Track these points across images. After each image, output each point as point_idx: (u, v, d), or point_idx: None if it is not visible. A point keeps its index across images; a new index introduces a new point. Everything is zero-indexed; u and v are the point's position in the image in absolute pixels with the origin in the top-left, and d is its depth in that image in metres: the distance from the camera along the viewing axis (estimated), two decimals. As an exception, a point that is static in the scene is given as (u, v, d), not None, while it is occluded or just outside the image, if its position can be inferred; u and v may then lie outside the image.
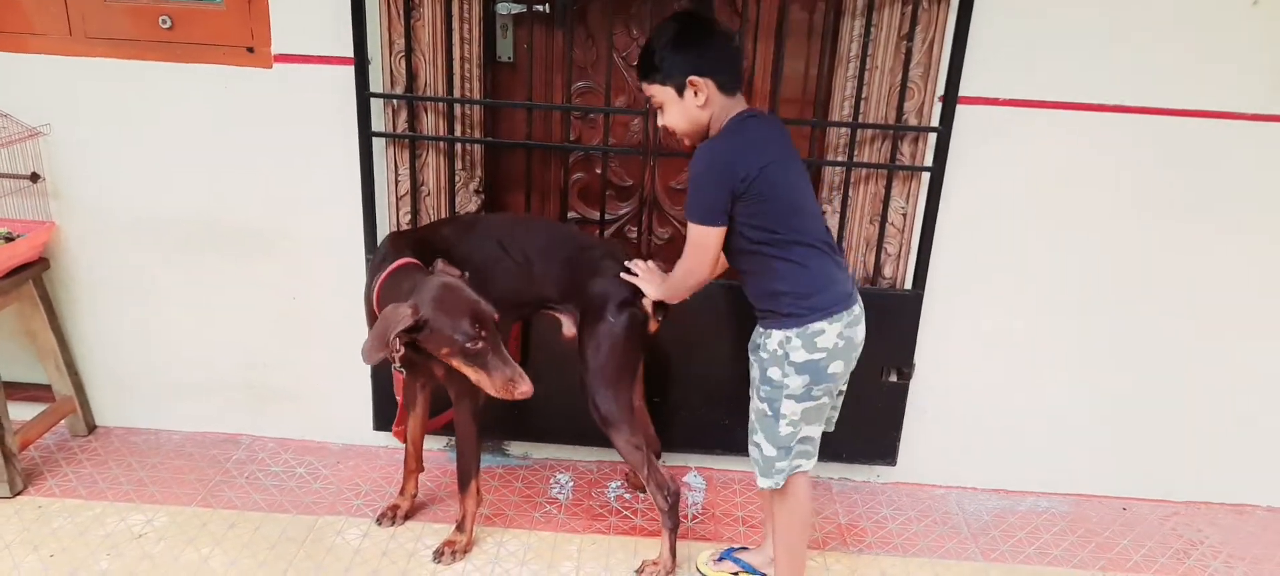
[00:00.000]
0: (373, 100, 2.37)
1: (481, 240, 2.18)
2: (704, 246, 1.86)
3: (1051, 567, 2.43)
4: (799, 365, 1.86)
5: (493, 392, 1.90)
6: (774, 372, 1.90)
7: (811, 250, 1.84)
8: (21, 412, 2.71)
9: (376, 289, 1.99)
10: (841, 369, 1.90)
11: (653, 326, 2.17)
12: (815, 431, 1.97)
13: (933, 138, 2.35)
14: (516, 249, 2.18)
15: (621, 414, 2.15)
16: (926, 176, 2.38)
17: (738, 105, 1.86)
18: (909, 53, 2.25)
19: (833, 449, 2.60)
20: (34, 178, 2.50)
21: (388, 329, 1.83)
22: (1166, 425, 2.68)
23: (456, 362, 1.90)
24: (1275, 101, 2.33)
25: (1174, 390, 2.64)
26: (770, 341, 1.89)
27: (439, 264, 1.99)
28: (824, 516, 2.60)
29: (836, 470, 2.78)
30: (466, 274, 1.98)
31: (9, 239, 2.45)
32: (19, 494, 2.48)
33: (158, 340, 2.72)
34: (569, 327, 2.27)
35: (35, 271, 2.55)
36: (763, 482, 2.01)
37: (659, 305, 2.13)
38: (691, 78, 1.81)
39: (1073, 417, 2.68)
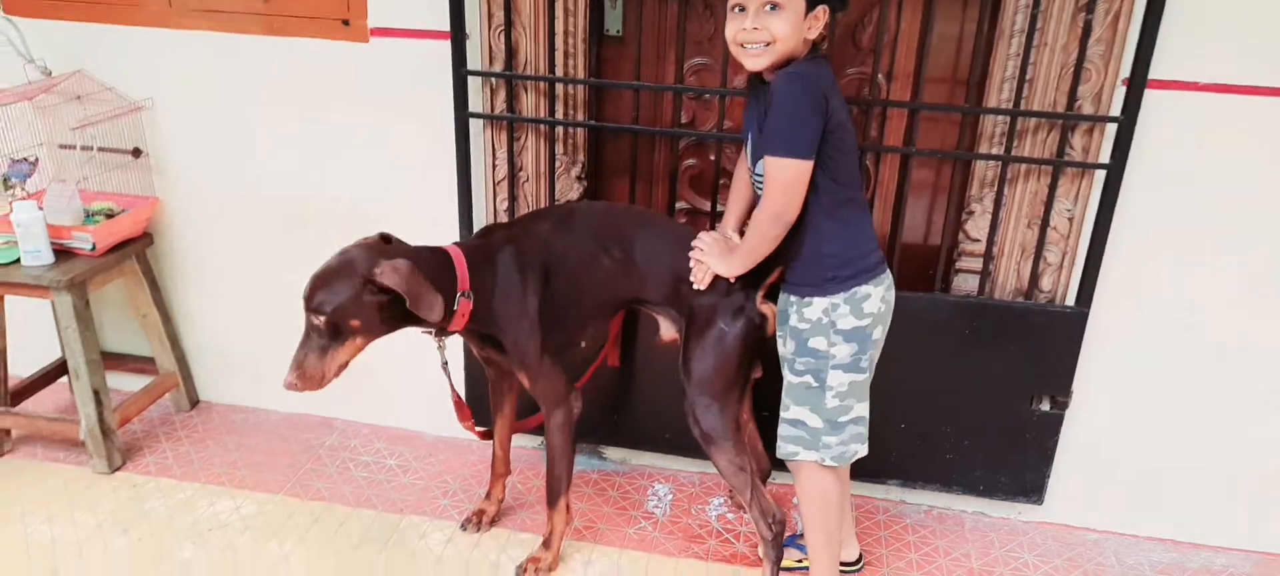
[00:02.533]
0: (470, 78, 2.20)
1: (579, 236, 1.96)
2: (794, 184, 1.64)
3: (1233, 645, 2.05)
4: (846, 333, 1.74)
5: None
6: (818, 343, 1.76)
7: (860, 209, 1.75)
8: (128, 383, 2.73)
9: None
10: (881, 335, 1.80)
11: (771, 327, 1.92)
12: (865, 409, 1.83)
13: (1112, 128, 1.97)
14: (617, 245, 1.96)
15: (726, 431, 1.92)
16: (1101, 174, 2.01)
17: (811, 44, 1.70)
18: (1088, 26, 1.88)
19: (970, 480, 2.31)
20: (136, 153, 2.47)
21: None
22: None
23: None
24: None
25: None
26: (811, 309, 1.75)
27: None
28: (953, 558, 2.28)
29: (972, 503, 2.45)
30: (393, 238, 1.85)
31: (112, 214, 2.43)
32: (118, 470, 2.47)
33: (259, 317, 2.67)
34: (668, 331, 2.04)
35: (139, 246, 2.52)
36: (806, 456, 1.83)
37: (769, 297, 1.90)
38: (822, 6, 1.65)
39: (1260, 460, 2.25)
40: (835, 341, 1.74)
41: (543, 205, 2.31)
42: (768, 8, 1.62)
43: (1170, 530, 2.38)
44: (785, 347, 1.84)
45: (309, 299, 1.76)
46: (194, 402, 2.82)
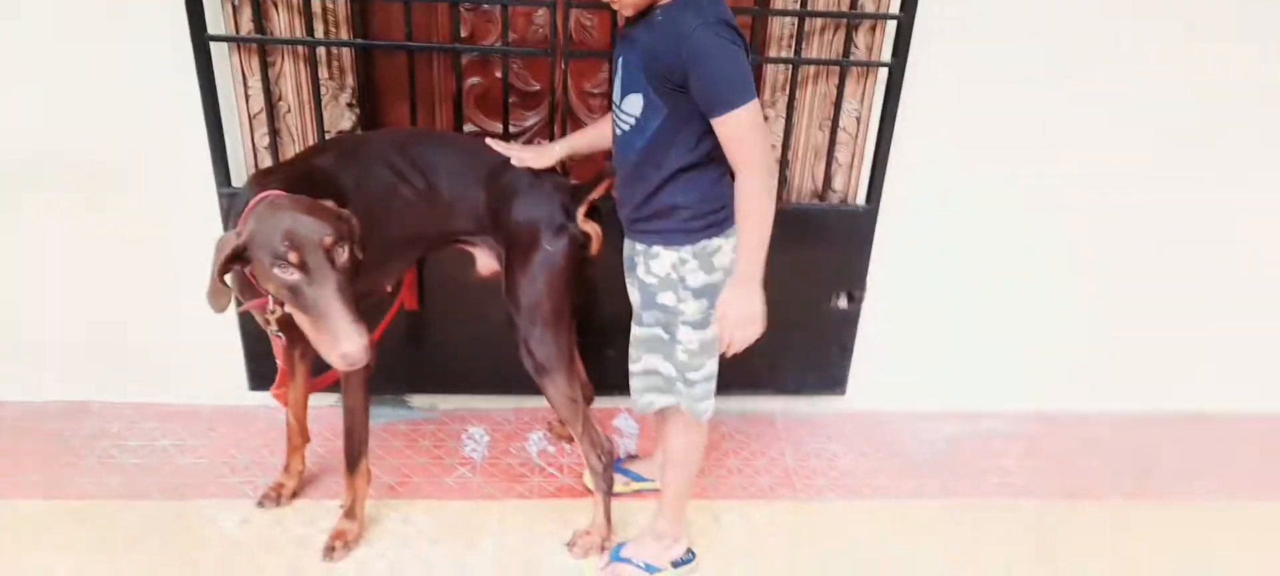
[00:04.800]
0: (205, -5, 1.88)
1: (371, 166, 1.75)
2: (759, 126, 1.48)
3: (1016, 500, 2.25)
4: (696, 289, 1.64)
5: (319, 350, 1.49)
6: (666, 298, 1.67)
7: (718, 163, 1.57)
8: None
9: None
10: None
11: (595, 247, 1.83)
12: (715, 366, 1.74)
13: (892, 26, 1.99)
14: (417, 173, 1.77)
15: (561, 360, 1.83)
16: (884, 73, 2.04)
17: None
18: (865, -77, 1.87)
19: (777, 380, 2.36)
20: None
21: (213, 261, 1.46)
22: (1122, 337, 2.51)
23: (288, 304, 1.49)
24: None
25: (1132, 299, 2.45)
26: (659, 263, 1.65)
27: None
28: (769, 457, 2.35)
29: (780, 403, 2.53)
30: (335, 205, 1.54)
31: None
32: None
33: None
34: (486, 263, 1.90)
35: None
36: (661, 401, 1.76)
37: (592, 216, 1.80)
38: None
39: (1030, 334, 2.48)
40: (684, 297, 1.65)
41: (310, 138, 2.06)
42: None
43: (958, 404, 2.57)
44: (633, 297, 1.75)
45: (319, 215, 1.45)
46: (-98, 405, 2.36)
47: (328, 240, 1.43)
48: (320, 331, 1.44)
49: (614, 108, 1.65)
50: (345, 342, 1.42)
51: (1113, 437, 2.52)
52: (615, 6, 1.52)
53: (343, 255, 1.46)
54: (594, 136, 1.85)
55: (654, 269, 1.66)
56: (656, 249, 1.65)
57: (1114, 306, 2.45)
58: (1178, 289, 2.45)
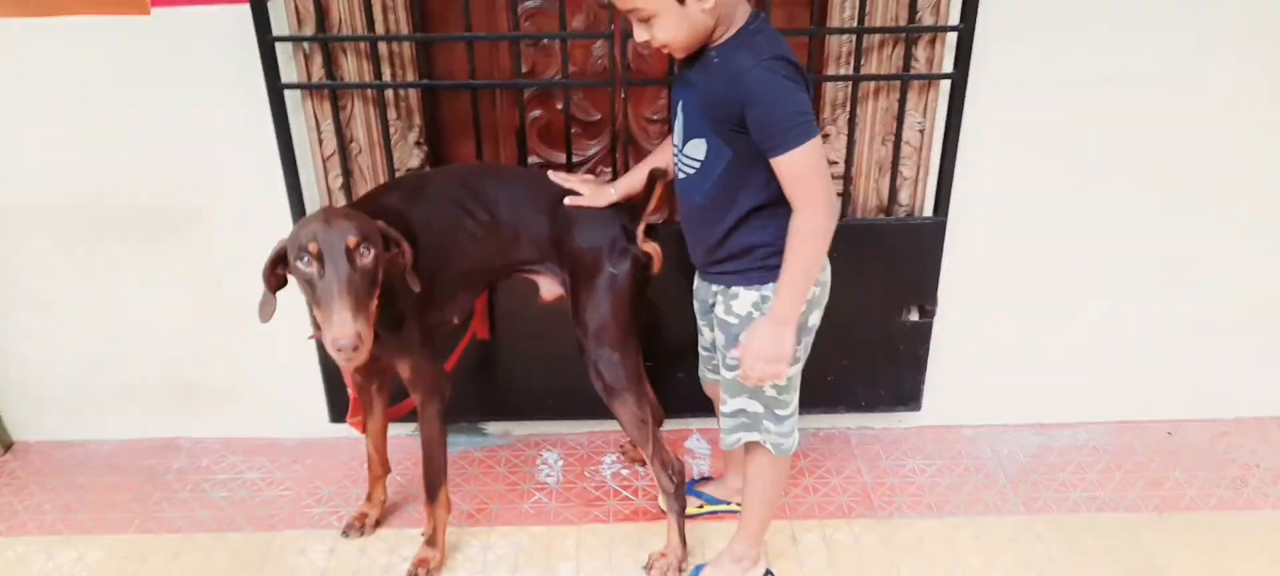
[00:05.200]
0: (278, 45, 1.96)
1: (436, 203, 1.80)
2: (820, 165, 1.44)
3: (1102, 514, 2.18)
4: None
5: (325, 342, 1.51)
6: None
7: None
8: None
9: None
10: (818, 319, 1.67)
11: (656, 266, 1.84)
12: (795, 397, 1.74)
13: (953, 38, 1.97)
14: (480, 207, 1.82)
15: (629, 380, 1.85)
16: (946, 85, 2.02)
17: (743, 2, 1.50)
18: (924, -64, 1.86)
19: (851, 398, 2.34)
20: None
21: (264, 266, 1.54)
22: (1209, 339, 2.41)
23: (309, 301, 1.54)
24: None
25: (1215, 301, 2.36)
26: (739, 302, 1.63)
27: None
28: (846, 475, 2.32)
29: (855, 420, 2.50)
30: (384, 225, 1.60)
31: None
32: (-78, 540, 2.15)
33: (72, 340, 2.37)
34: (549, 289, 1.93)
35: (-93, 282, 2.16)
36: (749, 436, 1.75)
37: (650, 235, 1.82)
38: None
39: (1110, 340, 2.40)
40: None
41: (381, 177, 2.12)
42: (643, 23, 1.47)
43: (1037, 415, 2.50)
44: (714, 338, 1.74)
45: (355, 221, 1.51)
46: (7, 446, 2.49)
47: (351, 240, 1.48)
48: (324, 321, 1.49)
49: (676, 151, 1.64)
50: (335, 328, 1.45)
51: (1201, 446, 2.43)
52: (668, 52, 1.51)
53: (365, 259, 1.50)
54: (649, 166, 1.84)
55: (735, 309, 1.64)
56: (736, 288, 1.63)
57: (1196, 311, 2.36)
58: (1263, 292, 2.35)
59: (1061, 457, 2.38)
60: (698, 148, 1.55)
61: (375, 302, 1.54)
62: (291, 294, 1.61)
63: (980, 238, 2.22)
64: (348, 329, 1.45)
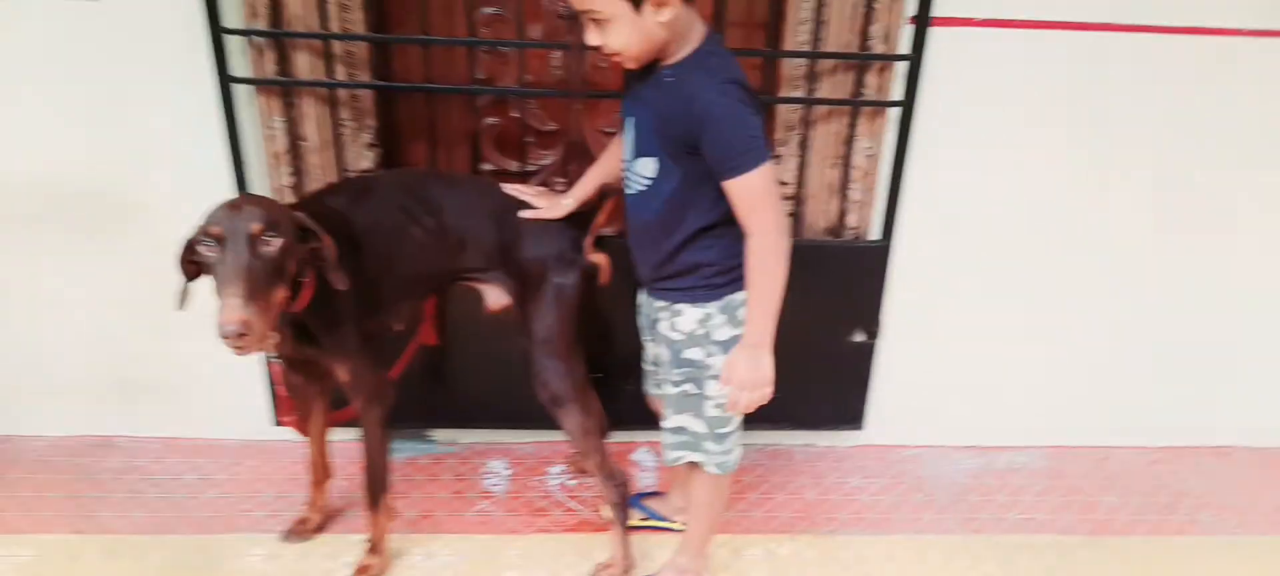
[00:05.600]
0: (228, 38, 1.94)
1: (382, 207, 1.79)
2: (772, 188, 1.45)
3: (1037, 536, 2.22)
4: (724, 343, 1.61)
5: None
6: (693, 354, 1.65)
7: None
8: None
9: None
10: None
11: (604, 277, 1.85)
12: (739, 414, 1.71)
13: (902, 67, 2.01)
14: (427, 212, 1.80)
15: (575, 391, 1.85)
16: (895, 112, 2.06)
17: (695, 16, 1.49)
18: (875, -34, 1.90)
19: (797, 415, 2.36)
20: None
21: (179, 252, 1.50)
22: (1143, 368, 2.48)
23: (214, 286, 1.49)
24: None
25: (1149, 332, 2.43)
26: (683, 320, 1.63)
27: None
28: (789, 491, 2.35)
29: (800, 437, 2.52)
30: (304, 218, 1.56)
31: None
32: None
33: (4, 333, 2.31)
34: (496, 298, 1.92)
35: None
36: (692, 456, 1.75)
37: (599, 246, 1.82)
38: None
39: (1047, 366, 2.46)
40: (712, 351, 1.63)
41: (332, 177, 2.10)
42: (596, 28, 1.44)
43: (976, 437, 2.55)
44: (658, 353, 1.74)
45: (264, 207, 1.46)
46: (-64, 440, 2.42)
47: (256, 226, 1.43)
48: (219, 305, 1.44)
49: (625, 165, 1.64)
50: (223, 312, 1.40)
51: (1134, 471, 2.49)
52: (619, 61, 1.49)
53: (269, 246, 1.45)
54: (600, 175, 1.85)
55: (679, 326, 1.64)
56: (681, 306, 1.63)
57: (1132, 338, 2.43)
58: (1197, 320, 2.43)
59: (999, 479, 2.43)
60: (648, 165, 1.55)
61: (278, 294, 1.48)
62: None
63: (925, 261, 2.27)
64: (234, 314, 1.38)
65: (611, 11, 1.41)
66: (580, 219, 1.83)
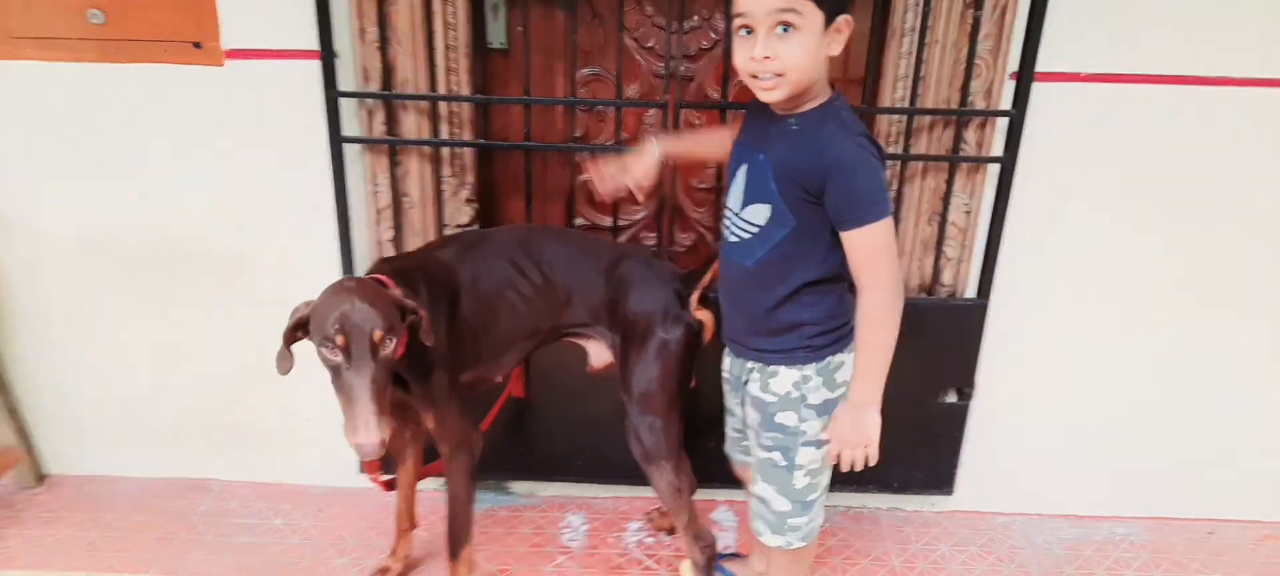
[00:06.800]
0: (343, 100, 2.03)
1: (490, 260, 1.82)
2: (891, 243, 1.43)
3: (1141, 613, 2.12)
4: (819, 407, 1.58)
5: (344, 432, 1.49)
6: (787, 419, 1.60)
7: (847, 278, 1.51)
8: (-45, 467, 2.39)
9: None
10: None
11: (708, 335, 1.85)
12: (827, 476, 1.68)
13: (1003, 122, 2.01)
14: (534, 267, 1.83)
15: (670, 449, 1.83)
16: (994, 168, 2.05)
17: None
18: (976, 22, 1.90)
19: (882, 478, 2.30)
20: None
21: (285, 326, 1.53)
22: (1253, 438, 2.37)
23: (332, 381, 1.52)
24: None
25: (1260, 400, 2.32)
26: (777, 381, 1.59)
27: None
28: (874, 558, 2.28)
29: (886, 500, 2.46)
30: (409, 299, 1.58)
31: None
32: (-51, 568, 2.15)
33: (114, 376, 2.40)
34: (599, 356, 1.93)
35: (-38, 307, 2.20)
36: (773, 540, 1.70)
37: (703, 303, 1.82)
38: (845, 16, 1.39)
39: (1152, 434, 2.36)
40: (806, 416, 1.58)
41: (430, 232, 2.16)
42: (779, 29, 1.36)
43: (1073, 506, 2.45)
44: (746, 415, 1.69)
45: (376, 307, 1.47)
46: (40, 478, 2.50)
47: (377, 333, 1.46)
48: (346, 415, 1.47)
49: (729, 215, 1.60)
50: (361, 432, 1.43)
51: (1243, 547, 2.37)
52: (761, 95, 1.45)
53: (388, 348, 1.48)
54: (696, 144, 1.81)
55: (773, 387, 1.60)
56: (776, 367, 1.59)
57: (1241, 406, 2.33)
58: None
59: (1098, 551, 2.33)
60: (759, 213, 1.53)
61: (391, 392, 1.53)
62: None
63: (1021, 321, 2.22)
64: (372, 437, 1.43)
65: (807, 21, 1.36)
66: (685, 277, 1.84)
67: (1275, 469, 2.40)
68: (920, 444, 2.30)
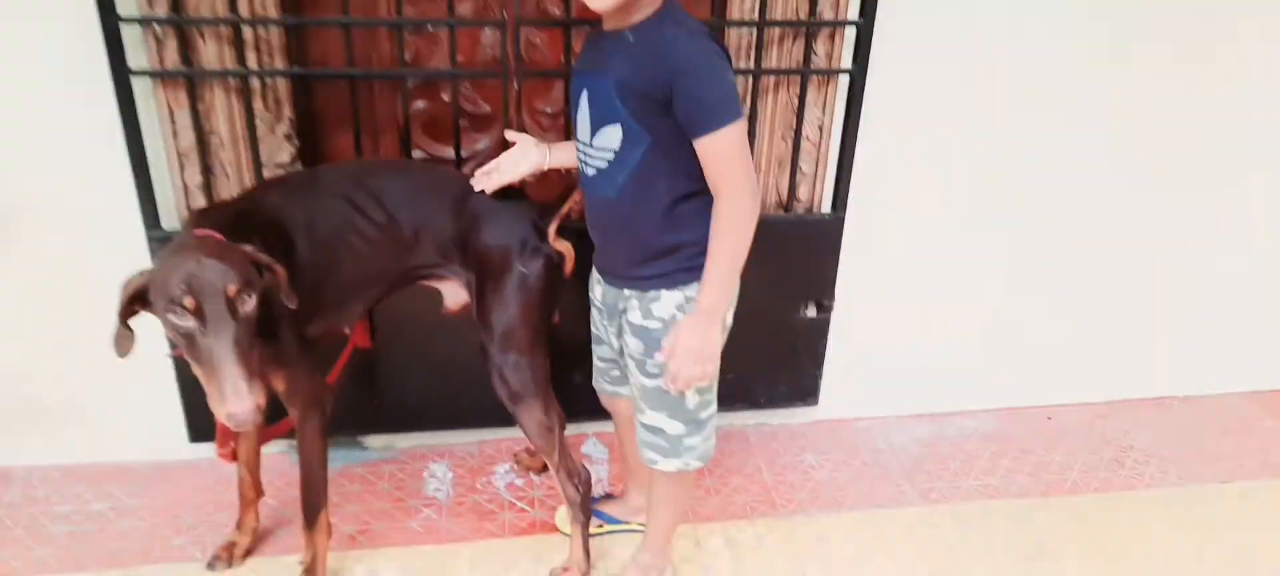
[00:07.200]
0: (124, 26, 1.75)
1: (323, 200, 1.64)
2: (744, 146, 1.38)
3: (993, 501, 2.24)
4: None
5: (210, 405, 1.35)
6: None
7: (709, 192, 1.45)
8: None
9: None
10: (731, 318, 1.59)
11: (569, 267, 1.75)
12: (715, 393, 1.65)
13: (852, 32, 1.96)
14: (375, 205, 1.67)
15: (537, 387, 1.74)
16: (845, 80, 2.01)
17: None
18: (823, -71, 1.83)
19: (750, 395, 2.31)
20: None
21: (118, 302, 1.35)
22: (1085, 325, 2.53)
23: (185, 353, 1.36)
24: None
25: (1091, 288, 2.48)
26: (660, 306, 1.54)
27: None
28: (746, 475, 2.30)
29: (752, 417, 2.48)
30: (254, 251, 1.42)
31: None
32: None
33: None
34: (454, 297, 1.81)
35: None
36: (668, 465, 1.67)
37: (562, 234, 1.72)
38: None
39: (996, 332, 2.48)
40: None
41: (246, 174, 1.93)
42: None
43: (927, 405, 2.56)
44: (627, 343, 1.62)
45: (227, 260, 1.33)
46: None
47: (232, 288, 1.31)
48: (211, 385, 1.32)
49: (582, 149, 1.53)
50: (231, 401, 1.30)
51: (1080, 429, 2.54)
52: (590, 3, 1.37)
53: (248, 304, 1.34)
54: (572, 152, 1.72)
55: (656, 312, 1.55)
56: (657, 292, 1.54)
57: (1075, 297, 2.47)
58: (1135, 277, 2.48)
59: (952, 447, 2.44)
60: (611, 136, 1.45)
61: (258, 351, 1.38)
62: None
63: (876, 233, 2.24)
64: (246, 403, 1.29)
65: None
66: (542, 207, 1.73)
67: (1104, 353, 2.57)
68: (784, 359, 2.31)
